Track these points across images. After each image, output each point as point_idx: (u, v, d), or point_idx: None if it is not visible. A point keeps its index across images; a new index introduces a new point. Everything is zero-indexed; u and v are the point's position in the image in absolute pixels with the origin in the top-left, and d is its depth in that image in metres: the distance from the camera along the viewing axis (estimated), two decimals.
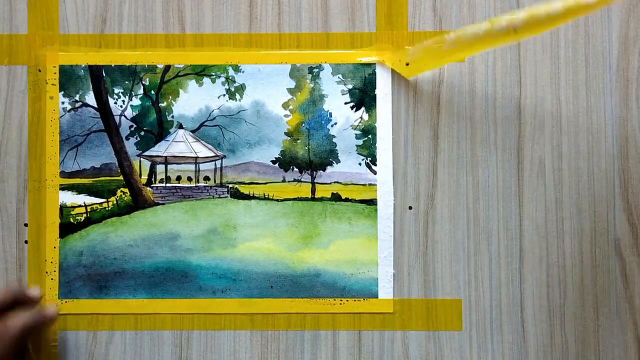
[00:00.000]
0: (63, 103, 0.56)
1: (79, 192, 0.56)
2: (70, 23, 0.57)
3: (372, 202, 0.56)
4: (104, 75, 0.56)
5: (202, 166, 0.57)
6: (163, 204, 0.57)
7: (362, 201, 0.56)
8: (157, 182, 0.57)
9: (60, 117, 0.56)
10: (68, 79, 0.56)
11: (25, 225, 0.56)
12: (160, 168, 0.57)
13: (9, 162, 0.56)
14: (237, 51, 0.57)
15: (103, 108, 0.57)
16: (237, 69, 0.57)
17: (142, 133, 0.57)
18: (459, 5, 0.57)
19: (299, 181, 0.57)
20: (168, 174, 0.57)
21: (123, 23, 0.57)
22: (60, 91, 0.56)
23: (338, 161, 0.57)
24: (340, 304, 0.56)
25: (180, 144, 0.57)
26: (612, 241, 0.56)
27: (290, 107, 0.57)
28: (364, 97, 0.56)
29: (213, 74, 0.57)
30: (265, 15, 0.57)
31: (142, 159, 0.57)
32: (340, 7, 0.57)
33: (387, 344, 0.56)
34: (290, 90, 0.57)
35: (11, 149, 0.56)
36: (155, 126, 0.57)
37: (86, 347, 0.56)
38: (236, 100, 0.57)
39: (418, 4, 0.57)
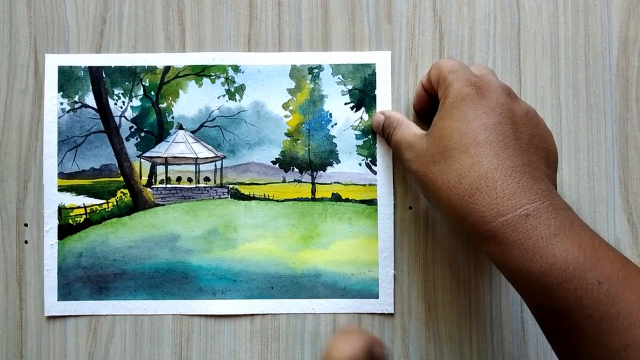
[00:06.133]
0: (62, 104, 0.56)
1: (78, 194, 0.56)
2: (70, 23, 0.57)
3: (372, 202, 0.56)
4: (104, 76, 0.56)
5: (202, 167, 0.57)
6: (163, 204, 0.56)
7: (362, 201, 0.56)
8: (157, 183, 0.57)
9: (59, 117, 0.56)
10: (67, 79, 0.56)
11: (26, 225, 0.56)
12: (160, 169, 0.57)
13: (8, 162, 0.56)
14: (236, 51, 0.57)
15: (103, 109, 0.56)
16: (236, 69, 0.56)
17: (142, 134, 0.57)
18: (459, 5, 0.57)
19: (299, 181, 0.57)
20: (168, 175, 0.57)
21: (123, 23, 0.57)
22: (59, 92, 0.56)
23: (338, 161, 0.57)
24: (340, 304, 0.56)
25: (180, 144, 0.57)
26: (612, 241, 0.56)
27: (290, 107, 0.57)
28: (363, 97, 0.56)
29: (213, 74, 0.56)
30: (265, 15, 0.57)
31: (142, 159, 0.57)
32: (340, 7, 0.57)
33: (387, 344, 0.56)
34: (290, 91, 0.56)
35: (11, 149, 0.56)
36: (155, 127, 0.57)
37: (86, 347, 0.56)
38: (236, 101, 0.57)
39: (418, 4, 0.57)
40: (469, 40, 0.57)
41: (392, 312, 0.56)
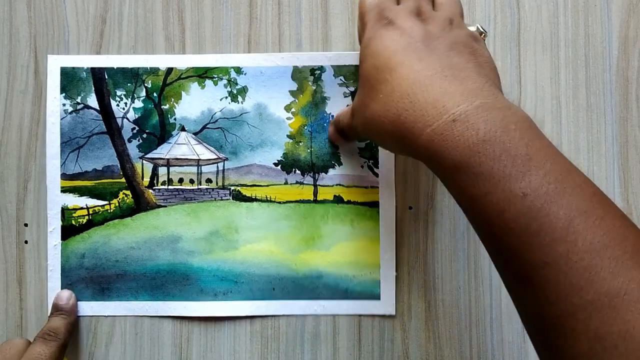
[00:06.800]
0: (64, 105, 0.56)
1: (81, 195, 0.56)
2: (70, 23, 0.56)
3: (374, 205, 0.56)
4: (107, 77, 0.56)
5: (204, 168, 0.57)
6: (165, 206, 0.56)
7: (364, 203, 0.56)
8: (159, 184, 0.57)
9: (62, 119, 0.56)
10: (70, 81, 0.56)
11: (26, 225, 0.56)
12: (162, 170, 0.57)
13: (8, 163, 0.56)
14: (236, 52, 0.57)
15: (105, 110, 0.56)
16: (239, 71, 0.56)
17: (145, 135, 0.57)
18: None
19: (301, 183, 0.57)
20: (170, 176, 0.57)
21: (123, 23, 0.57)
22: (61, 93, 0.56)
23: (340, 164, 0.57)
24: (342, 305, 0.56)
25: (182, 146, 0.57)
26: None
27: (293, 109, 0.57)
28: None
29: (215, 76, 0.56)
30: (265, 15, 0.57)
31: (144, 161, 0.57)
32: (340, 7, 0.57)
33: (387, 345, 0.56)
34: (292, 93, 0.56)
35: (11, 150, 0.56)
36: (157, 129, 0.57)
37: (86, 347, 0.56)
38: (238, 103, 0.56)
39: None
40: None
41: (394, 313, 0.56)
